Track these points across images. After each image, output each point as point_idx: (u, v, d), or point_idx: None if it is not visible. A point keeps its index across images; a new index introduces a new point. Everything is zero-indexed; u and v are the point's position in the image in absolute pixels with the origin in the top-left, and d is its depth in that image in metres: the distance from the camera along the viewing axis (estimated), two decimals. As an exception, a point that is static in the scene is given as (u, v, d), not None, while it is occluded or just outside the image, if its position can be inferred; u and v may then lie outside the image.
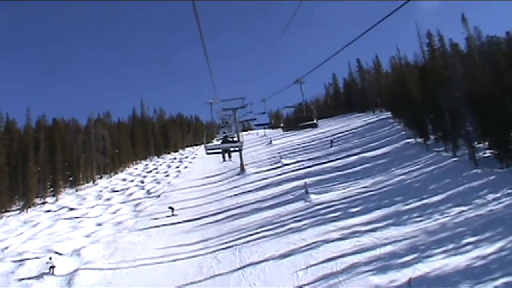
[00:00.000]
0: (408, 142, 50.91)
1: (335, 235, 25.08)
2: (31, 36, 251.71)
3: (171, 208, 39.31)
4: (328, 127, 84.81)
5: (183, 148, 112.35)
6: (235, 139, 39.42)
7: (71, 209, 49.86)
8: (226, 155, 43.08)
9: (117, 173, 77.80)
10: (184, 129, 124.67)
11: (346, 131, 73.74)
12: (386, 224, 25.53)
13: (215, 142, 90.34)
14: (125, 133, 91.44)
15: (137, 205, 47.13)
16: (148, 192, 54.76)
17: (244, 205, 37.03)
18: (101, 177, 74.48)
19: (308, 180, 40.30)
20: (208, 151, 28.33)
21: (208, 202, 41.67)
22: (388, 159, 45.13)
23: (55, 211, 49.95)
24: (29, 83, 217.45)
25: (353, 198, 32.68)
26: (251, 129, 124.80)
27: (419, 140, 49.77)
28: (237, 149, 34.39)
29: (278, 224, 29.30)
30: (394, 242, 22.69)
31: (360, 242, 23.38)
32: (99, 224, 39.60)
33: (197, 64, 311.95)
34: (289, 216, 30.75)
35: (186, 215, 37.76)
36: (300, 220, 29.21)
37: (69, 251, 30.47)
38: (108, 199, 53.46)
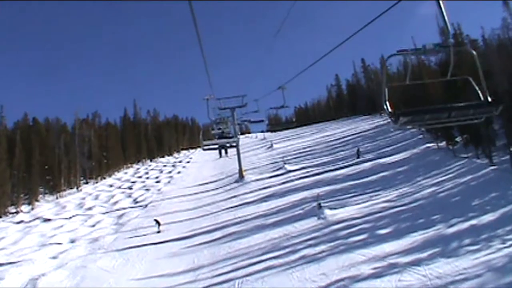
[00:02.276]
0: (428, 147, 45.13)
1: (366, 269, 18.99)
2: (24, 35, 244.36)
3: (157, 221, 33.27)
4: (333, 130, 79.23)
5: (178, 152, 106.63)
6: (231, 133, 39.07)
7: (46, 220, 43.78)
8: (223, 151, 39.41)
9: (104, 178, 71.65)
10: (179, 131, 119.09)
11: (353, 134, 67.87)
12: (432, 254, 19.47)
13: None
14: (114, 135, 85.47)
15: (120, 216, 41.13)
16: (135, 200, 48.77)
17: (245, 221, 30.91)
18: (86, 183, 68.36)
19: (319, 191, 34.45)
20: (205, 147, 30.14)
21: (201, 215, 35.54)
22: (409, 166, 39.33)
23: (27, 222, 43.81)
24: (20, 82, 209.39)
25: (378, 215, 26.68)
26: (249, 132, 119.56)
27: (441, 144, 44.06)
28: (233, 144, 36.01)
29: (287, 250, 23.21)
30: (451, 283, 16.69)
31: (403, 283, 17.29)
32: (73, 241, 33.61)
33: (195, 66, 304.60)
34: (301, 238, 24.68)
35: (175, 232, 31.73)
36: (315, 245, 23.12)
37: (24, 281, 24.35)
38: (89, 208, 47.38)
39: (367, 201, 30.33)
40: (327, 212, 28.38)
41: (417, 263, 18.68)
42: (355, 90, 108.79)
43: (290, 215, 30.08)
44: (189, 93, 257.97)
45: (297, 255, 22.05)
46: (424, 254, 19.48)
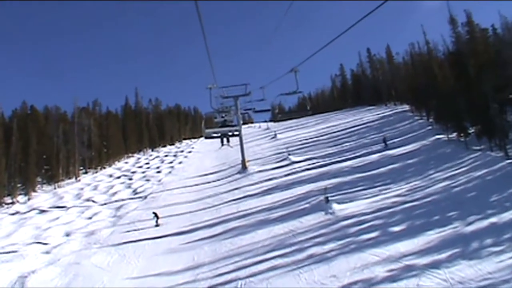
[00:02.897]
0: (438, 139, 43.51)
1: (381, 271, 17.43)
2: (26, 28, 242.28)
3: (155, 214, 31.74)
4: (338, 121, 77.45)
5: (180, 141, 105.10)
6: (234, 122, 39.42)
7: (42, 211, 42.34)
8: (225, 140, 38.79)
9: (104, 168, 70.09)
10: (181, 120, 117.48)
11: (359, 125, 66.10)
12: (451, 255, 17.89)
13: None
14: (115, 124, 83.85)
15: (119, 208, 39.64)
16: (135, 191, 47.22)
17: (248, 215, 29.33)
18: (86, 173, 66.84)
19: (325, 183, 32.92)
20: (207, 135, 31.55)
21: (202, 208, 33.95)
22: (419, 158, 37.76)
23: (22, 214, 42.33)
24: (23, 73, 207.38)
25: (390, 210, 25.11)
26: (252, 122, 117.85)
27: (451, 136, 42.45)
28: (236, 133, 36.47)
29: (294, 247, 21.65)
30: (476, 290, 15.16)
31: (423, 288, 15.79)
32: (68, 234, 32.18)
33: (198, 56, 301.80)
34: (308, 235, 23.13)
35: (174, 225, 30.18)
36: (324, 243, 21.56)
37: (13, 278, 22.86)
38: (87, 199, 45.86)
39: (377, 195, 28.77)
40: (335, 206, 26.83)
41: (436, 265, 17.12)
42: (360, 80, 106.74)
43: (296, 209, 28.50)
44: (192, 82, 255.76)
45: (304, 254, 20.52)
46: (442, 255, 17.93)
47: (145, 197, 42.87)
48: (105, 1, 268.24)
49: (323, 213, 26.36)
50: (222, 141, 39.89)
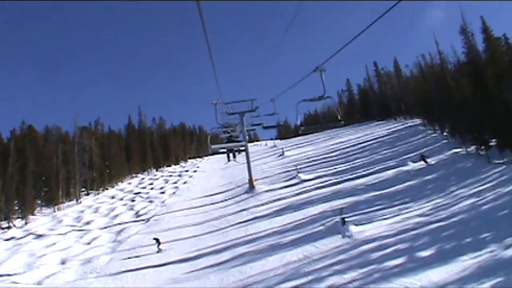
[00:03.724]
0: (456, 153, 41.28)
1: (414, 306, 15.12)
2: (24, 35, 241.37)
3: (157, 240, 29.40)
4: (347, 137, 75.16)
5: (185, 160, 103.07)
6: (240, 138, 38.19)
7: (39, 236, 40.06)
8: (231, 155, 39.11)
9: (106, 189, 67.97)
10: (186, 139, 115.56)
11: (369, 140, 63.79)
12: (494, 285, 15.60)
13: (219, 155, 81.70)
14: (117, 144, 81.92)
15: (119, 232, 37.38)
16: (137, 214, 44.96)
17: (257, 239, 26.97)
18: (88, 194, 64.72)
19: (339, 203, 30.72)
20: (213, 151, 31.41)
21: (208, 232, 31.57)
22: (438, 174, 35.44)
23: (18, 239, 40.05)
24: (23, 92, 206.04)
25: (414, 232, 22.76)
26: (258, 140, 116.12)
27: (470, 149, 40.22)
28: (242, 148, 36.74)
29: (310, 277, 19.24)
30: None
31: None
32: (63, 262, 29.93)
33: (203, 73, 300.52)
34: (325, 262, 20.75)
35: (178, 251, 27.85)
36: (343, 271, 19.15)
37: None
38: (87, 223, 43.62)
39: (397, 215, 26.45)
40: (353, 228, 24.50)
41: (479, 299, 14.78)
42: (367, 95, 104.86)
43: (309, 232, 26.16)
44: (196, 100, 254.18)
45: (322, 285, 18.16)
46: (484, 286, 15.58)
47: (148, 220, 40.60)
48: (108, 17, 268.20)
49: (339, 236, 24.04)
50: (228, 157, 39.39)
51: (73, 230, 40.63)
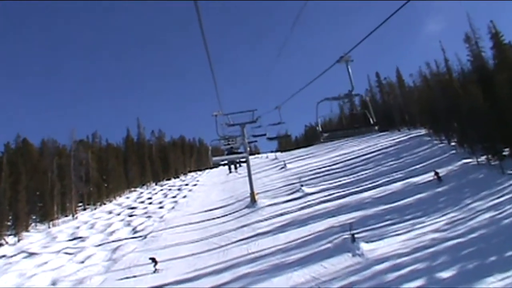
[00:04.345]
0: (466, 163, 39.48)
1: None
2: (21, 44, 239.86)
3: (153, 260, 27.51)
4: (350, 148, 73.35)
5: (185, 174, 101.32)
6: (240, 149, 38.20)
7: (31, 254, 38.15)
8: (232, 167, 39.38)
9: (104, 204, 66.08)
10: (186, 152, 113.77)
11: (374, 152, 62.06)
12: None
13: (219, 168, 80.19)
14: (115, 157, 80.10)
15: (115, 249, 35.50)
16: (134, 230, 43.11)
17: (260, 258, 25.14)
18: (84, 209, 62.85)
19: (346, 218, 28.99)
20: (214, 163, 32.50)
21: (208, 250, 29.69)
22: (449, 185, 33.72)
23: (9, 257, 38.13)
24: (20, 105, 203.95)
25: (431, 250, 20.98)
26: (258, 153, 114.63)
27: (481, 159, 38.50)
28: (243, 160, 38.27)
29: (320, 303, 17.54)
30: None
31: None
32: (54, 283, 28.13)
33: (204, 87, 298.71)
34: (336, 284, 18.92)
35: (175, 271, 26.02)
36: (357, 295, 17.45)
37: None
38: (82, 240, 41.77)
39: (410, 230, 24.73)
40: (364, 246, 22.74)
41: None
42: (369, 106, 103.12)
43: (316, 250, 24.37)
44: (197, 113, 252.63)
45: (334, 312, 16.37)
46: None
47: (145, 236, 38.74)
48: (107, 28, 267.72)
49: (349, 254, 22.25)
50: (230, 168, 38.35)
51: (67, 248, 38.74)
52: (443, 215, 26.41)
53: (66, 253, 36.69)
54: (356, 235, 23.86)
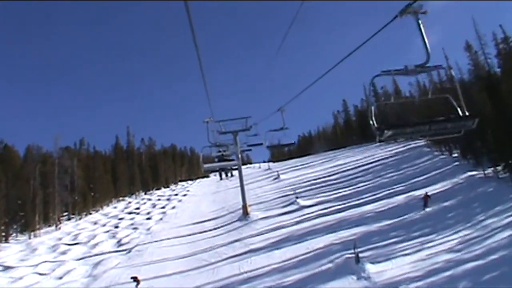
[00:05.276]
0: (471, 176, 37.30)
1: None
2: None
3: (135, 279, 24.87)
4: (346, 159, 71.10)
5: (175, 183, 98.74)
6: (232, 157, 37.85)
7: (6, 268, 35.45)
8: (223, 174, 41.79)
9: (90, 214, 63.35)
10: (177, 161, 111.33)
11: (371, 163, 59.86)
12: None
13: (211, 177, 78.82)
14: (102, 165, 77.43)
15: (97, 264, 32.90)
16: (119, 242, 40.50)
17: (253, 278, 22.67)
18: (69, 219, 60.12)
19: (347, 233, 26.72)
20: (205, 170, 32.66)
21: (196, 267, 27.07)
22: (457, 199, 31.56)
23: (-18, 272, 35.46)
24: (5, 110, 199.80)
25: (446, 274, 18.65)
26: (250, 162, 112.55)
27: (488, 172, 36.41)
28: (234, 167, 38.62)
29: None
30: None
31: None
32: (25, 303, 25.55)
33: (196, 93, 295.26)
34: (341, 315, 16.59)
35: (159, 293, 23.59)
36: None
37: None
38: (63, 253, 39.12)
39: (419, 250, 22.39)
40: (369, 268, 20.36)
41: None
42: (365, 115, 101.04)
43: (316, 270, 21.95)
44: (189, 122, 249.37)
45: None
46: None
47: (129, 250, 36.09)
48: (98, 31, 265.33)
49: (354, 277, 19.91)
50: (220, 175, 38.14)
51: (46, 261, 36.08)
52: (454, 233, 24.17)
53: (44, 268, 34.16)
54: (359, 254, 21.47)
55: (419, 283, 17.90)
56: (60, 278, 30.58)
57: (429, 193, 31.80)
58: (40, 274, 32.30)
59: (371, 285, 18.69)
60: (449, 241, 22.96)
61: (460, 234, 23.77)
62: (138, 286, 24.25)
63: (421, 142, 63.42)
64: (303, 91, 15.92)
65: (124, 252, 35.89)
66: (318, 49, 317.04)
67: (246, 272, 23.83)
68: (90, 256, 36.36)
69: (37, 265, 35.23)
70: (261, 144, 37.43)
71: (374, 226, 28.55)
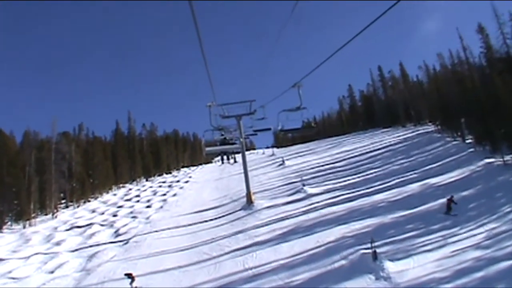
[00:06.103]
0: (489, 163, 35.11)
1: None
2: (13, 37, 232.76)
3: (130, 276, 22.76)
4: (352, 145, 68.95)
5: (177, 169, 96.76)
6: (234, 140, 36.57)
7: (-2, 260, 33.54)
8: (225, 157, 38.66)
9: (88, 201, 61.33)
10: (179, 147, 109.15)
11: (379, 149, 57.66)
12: None
13: (214, 163, 77.45)
14: (102, 151, 75.28)
15: (91, 256, 30.87)
16: (117, 232, 38.48)
17: (259, 276, 20.55)
18: (67, 207, 58.14)
19: (359, 225, 24.66)
20: (208, 153, 34.25)
21: (196, 262, 24.98)
22: (476, 189, 29.42)
23: (-30, 265, 33.46)
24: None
25: (479, 275, 16.44)
26: (254, 148, 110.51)
27: (507, 159, 34.20)
28: (237, 151, 37.94)
29: None
30: None
31: None
32: (12, 300, 23.56)
33: (199, 78, 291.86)
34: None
35: (157, 290, 21.54)
36: None
37: None
38: (57, 244, 37.09)
39: (443, 245, 20.22)
40: (389, 265, 18.17)
41: None
42: (371, 101, 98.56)
43: (329, 268, 19.80)
44: (191, 107, 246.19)
45: None
46: None
47: (127, 241, 34.03)
48: (100, 21, 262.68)
49: (371, 277, 17.74)
50: (222, 159, 38.54)
51: (38, 253, 34.07)
52: (479, 226, 22.02)
53: (35, 260, 32.17)
54: (376, 250, 19.31)
55: (447, 286, 15.74)
56: (52, 272, 28.53)
57: (449, 192, 27.89)
58: (31, 267, 30.40)
59: (392, 286, 16.54)
60: (474, 235, 20.81)
61: (486, 227, 21.60)
62: (133, 284, 22.27)
63: (431, 128, 61.31)
64: (319, 65, 13.60)
65: (121, 244, 33.87)
66: (326, 34, 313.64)
67: (250, 269, 21.71)
68: (85, 248, 34.36)
69: (28, 257, 33.19)
70: (269, 129, 35.50)
71: (388, 217, 26.42)
